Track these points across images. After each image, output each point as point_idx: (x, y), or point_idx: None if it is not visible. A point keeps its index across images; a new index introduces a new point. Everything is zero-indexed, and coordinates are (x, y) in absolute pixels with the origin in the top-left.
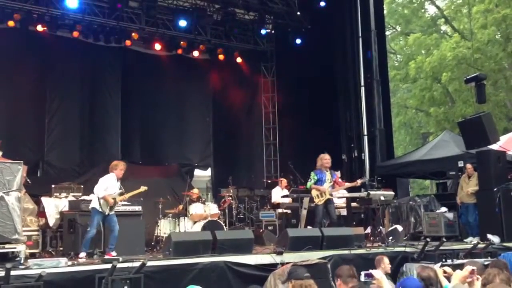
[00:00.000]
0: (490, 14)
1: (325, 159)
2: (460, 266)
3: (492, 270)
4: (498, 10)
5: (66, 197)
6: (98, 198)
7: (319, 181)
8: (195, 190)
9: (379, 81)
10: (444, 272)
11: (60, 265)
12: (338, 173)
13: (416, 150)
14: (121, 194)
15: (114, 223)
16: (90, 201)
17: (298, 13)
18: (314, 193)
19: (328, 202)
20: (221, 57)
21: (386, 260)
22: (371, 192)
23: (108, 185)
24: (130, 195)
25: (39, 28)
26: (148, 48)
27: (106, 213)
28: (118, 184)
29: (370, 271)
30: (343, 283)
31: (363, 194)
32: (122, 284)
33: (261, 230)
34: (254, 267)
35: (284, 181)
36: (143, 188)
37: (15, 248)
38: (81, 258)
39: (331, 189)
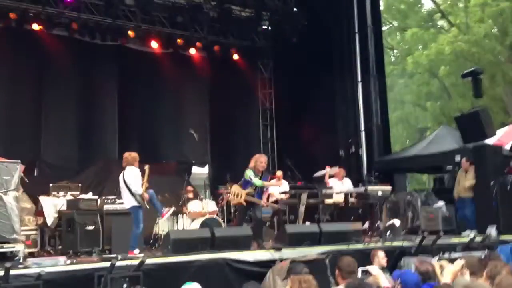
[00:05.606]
0: (489, 7)
1: (260, 161)
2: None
3: (498, 262)
4: (497, 3)
5: (64, 196)
6: (136, 195)
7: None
8: (189, 187)
9: (376, 77)
10: (441, 266)
11: (59, 263)
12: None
13: (413, 145)
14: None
15: None
16: (88, 199)
17: (295, 9)
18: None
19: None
20: (218, 54)
21: (381, 253)
22: (369, 188)
23: (139, 179)
24: (146, 180)
25: (35, 27)
26: (144, 45)
27: (146, 207)
28: None
29: (367, 267)
30: (341, 277)
31: (360, 189)
32: (121, 282)
33: None
34: (252, 263)
35: (278, 173)
36: (146, 167)
37: (13, 247)
38: (137, 253)
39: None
